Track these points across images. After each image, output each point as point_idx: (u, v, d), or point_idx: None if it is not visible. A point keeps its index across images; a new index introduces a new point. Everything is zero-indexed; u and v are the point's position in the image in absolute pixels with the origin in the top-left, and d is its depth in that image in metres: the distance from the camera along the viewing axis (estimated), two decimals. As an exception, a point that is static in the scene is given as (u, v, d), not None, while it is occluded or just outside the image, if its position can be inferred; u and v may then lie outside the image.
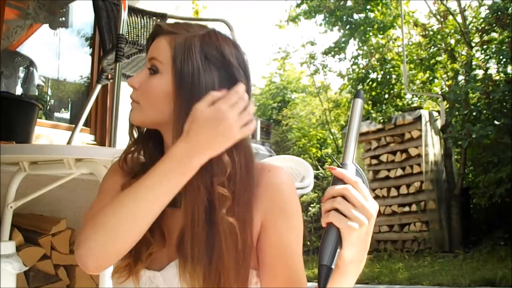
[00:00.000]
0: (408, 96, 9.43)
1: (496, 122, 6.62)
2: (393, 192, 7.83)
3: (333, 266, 0.80)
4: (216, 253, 0.90)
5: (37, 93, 4.08)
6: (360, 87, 9.44)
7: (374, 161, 8.13)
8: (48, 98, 4.23)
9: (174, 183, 0.89)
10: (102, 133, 3.67)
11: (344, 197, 0.80)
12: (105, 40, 2.64)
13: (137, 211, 0.88)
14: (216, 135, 0.87)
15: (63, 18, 4.21)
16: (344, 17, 9.61)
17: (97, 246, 0.88)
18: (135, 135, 1.06)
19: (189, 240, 0.92)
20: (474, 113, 7.18)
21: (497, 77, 7.37)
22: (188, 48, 0.95)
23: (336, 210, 0.80)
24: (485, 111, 7.09)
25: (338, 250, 0.81)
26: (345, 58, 10.21)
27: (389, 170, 7.90)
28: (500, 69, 7.50)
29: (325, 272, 0.80)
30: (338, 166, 0.85)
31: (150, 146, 1.06)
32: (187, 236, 0.92)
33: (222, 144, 0.89)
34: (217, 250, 0.91)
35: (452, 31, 8.52)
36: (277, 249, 0.96)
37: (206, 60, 0.95)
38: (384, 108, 8.31)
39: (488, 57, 7.78)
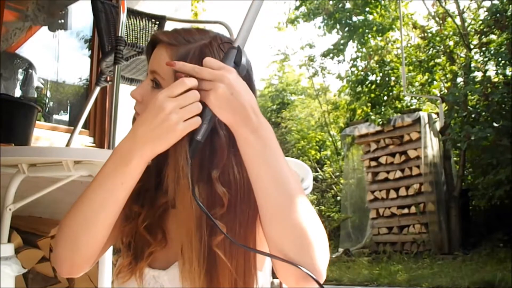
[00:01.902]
0: (407, 98, 9.45)
1: (495, 124, 6.62)
2: (392, 194, 7.83)
3: (200, 139, 0.87)
4: (217, 257, 0.90)
5: (36, 95, 4.08)
6: (359, 89, 9.46)
7: (373, 163, 8.14)
8: (47, 100, 4.23)
9: (120, 177, 0.88)
10: (101, 135, 3.67)
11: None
12: (104, 42, 2.64)
13: (91, 212, 0.90)
14: (154, 127, 0.84)
15: (62, 20, 4.22)
16: (343, 19, 9.62)
17: (63, 252, 0.92)
18: None
19: (190, 243, 0.92)
20: (473, 115, 7.18)
21: (496, 79, 7.38)
22: (189, 63, 0.92)
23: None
24: (484, 113, 7.10)
25: (206, 124, 0.87)
26: (344, 60, 10.23)
27: (388, 172, 7.91)
28: (499, 71, 7.51)
29: (194, 145, 0.87)
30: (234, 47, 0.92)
31: None
32: (186, 239, 0.93)
33: (162, 137, 0.84)
34: (217, 254, 0.90)
35: (451, 33, 8.53)
36: None
37: None
38: (383, 110, 8.31)
39: (487, 59, 7.79)
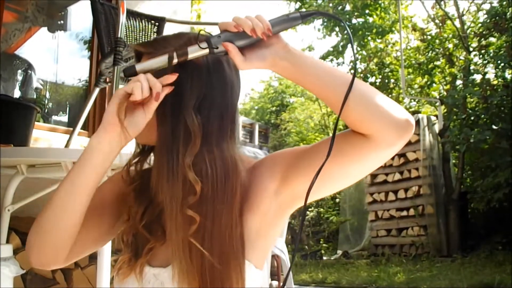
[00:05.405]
0: (406, 100, 9.45)
1: (494, 127, 6.63)
2: (391, 196, 7.83)
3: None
4: (206, 253, 0.91)
5: (35, 96, 4.08)
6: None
7: (372, 165, 8.13)
8: (46, 101, 4.23)
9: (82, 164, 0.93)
10: (100, 136, 3.66)
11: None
12: (104, 44, 2.64)
13: (60, 202, 0.92)
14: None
15: (62, 22, 4.22)
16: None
17: (31, 236, 0.94)
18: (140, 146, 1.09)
19: (180, 241, 0.93)
20: (472, 118, 7.19)
21: (495, 82, 7.39)
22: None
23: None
24: (483, 116, 7.10)
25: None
26: (343, 63, 10.24)
27: (387, 174, 7.91)
28: (498, 74, 7.52)
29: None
30: None
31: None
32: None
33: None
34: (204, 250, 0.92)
35: (450, 35, 8.54)
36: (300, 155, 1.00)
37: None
38: (382, 112, 8.30)
39: (486, 61, 7.81)
